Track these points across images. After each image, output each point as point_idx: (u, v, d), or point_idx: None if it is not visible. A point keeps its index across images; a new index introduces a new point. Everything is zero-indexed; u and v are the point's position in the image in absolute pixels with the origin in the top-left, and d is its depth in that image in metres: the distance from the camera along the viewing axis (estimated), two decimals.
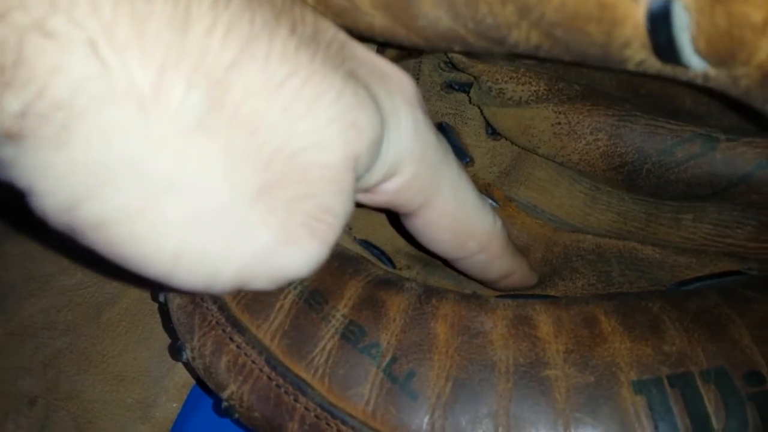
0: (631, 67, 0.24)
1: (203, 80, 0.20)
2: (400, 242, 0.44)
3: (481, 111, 0.43)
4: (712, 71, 0.23)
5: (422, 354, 0.32)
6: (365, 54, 0.26)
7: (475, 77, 0.41)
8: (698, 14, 0.18)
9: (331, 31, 0.24)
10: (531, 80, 0.39)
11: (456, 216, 0.32)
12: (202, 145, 0.20)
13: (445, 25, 0.23)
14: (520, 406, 0.31)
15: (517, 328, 0.33)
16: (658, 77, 0.25)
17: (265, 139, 0.21)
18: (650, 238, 0.41)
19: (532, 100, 0.40)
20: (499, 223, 0.34)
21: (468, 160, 0.46)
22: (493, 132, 0.45)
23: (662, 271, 0.40)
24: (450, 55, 0.41)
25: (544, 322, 0.33)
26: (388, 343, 0.32)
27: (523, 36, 0.23)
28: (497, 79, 0.40)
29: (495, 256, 0.35)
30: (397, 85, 0.27)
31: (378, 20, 0.23)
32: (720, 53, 0.20)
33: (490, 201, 0.45)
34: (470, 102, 0.43)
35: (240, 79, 0.20)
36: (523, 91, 0.40)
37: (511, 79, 0.40)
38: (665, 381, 0.31)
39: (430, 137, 0.28)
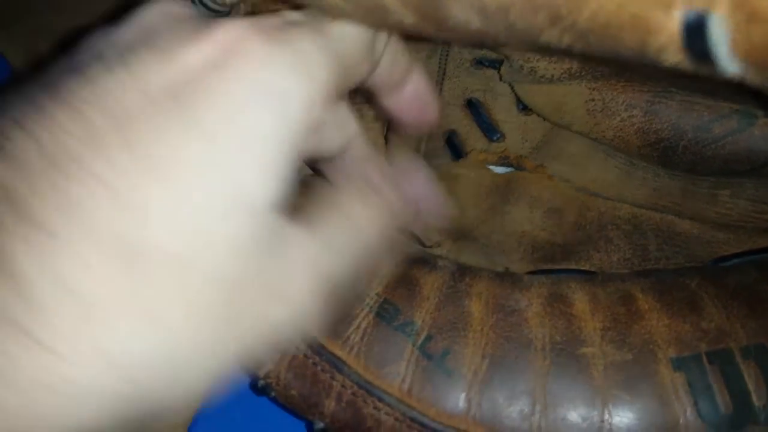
0: (666, 65, 0.23)
1: (129, 325, 0.19)
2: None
3: (512, 88, 0.43)
4: (750, 75, 0.22)
5: (457, 332, 0.32)
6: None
7: (505, 56, 0.40)
8: (735, 31, 0.18)
9: None
10: (563, 58, 0.39)
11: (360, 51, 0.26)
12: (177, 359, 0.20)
13: (475, 27, 0.22)
14: (557, 384, 0.30)
15: (552, 306, 0.32)
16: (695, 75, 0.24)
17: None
18: (687, 214, 0.41)
19: (564, 77, 0.39)
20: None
21: (499, 135, 0.45)
22: (524, 108, 0.45)
23: (700, 247, 0.39)
24: None
25: (580, 299, 0.33)
26: (423, 321, 0.32)
27: (555, 38, 0.22)
28: (529, 58, 0.39)
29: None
30: (241, 68, 0.22)
31: (408, 19, 0.23)
32: (758, 65, 0.20)
33: (520, 168, 0.45)
34: (501, 79, 0.43)
35: (152, 289, 0.19)
36: (555, 69, 0.39)
37: (543, 57, 0.39)
38: (704, 358, 0.30)
39: (307, 49, 0.23)
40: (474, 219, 0.43)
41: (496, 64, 0.43)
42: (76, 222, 0.18)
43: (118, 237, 0.19)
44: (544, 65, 0.39)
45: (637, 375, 0.30)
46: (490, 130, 0.45)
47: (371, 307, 0.32)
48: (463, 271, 0.34)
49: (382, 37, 0.26)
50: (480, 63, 0.44)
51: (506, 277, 0.34)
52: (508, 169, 0.45)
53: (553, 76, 0.39)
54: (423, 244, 0.42)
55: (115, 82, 0.20)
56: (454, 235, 0.42)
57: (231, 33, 0.21)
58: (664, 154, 0.39)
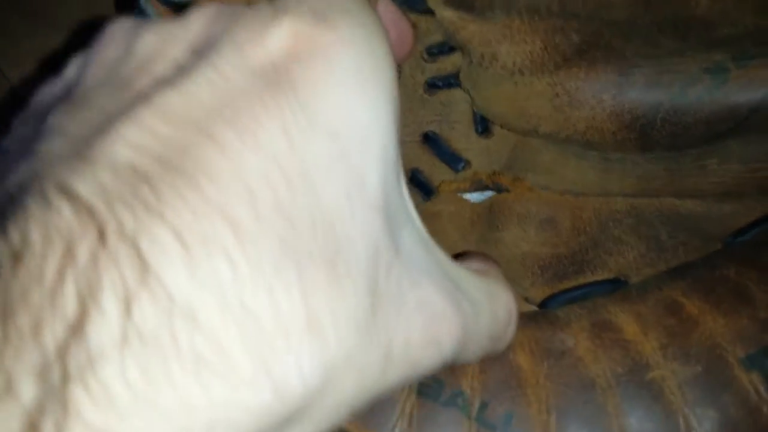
0: None
1: (299, 342, 0.19)
2: None
3: (472, 100, 0.40)
4: None
5: (512, 391, 0.29)
6: None
7: (463, 49, 0.37)
8: None
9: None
10: (526, 38, 0.36)
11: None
12: (334, 378, 0.20)
13: None
14: (636, 419, 0.28)
15: (601, 337, 0.30)
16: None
17: (363, 319, 0.20)
18: (680, 192, 0.39)
19: (526, 66, 0.36)
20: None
21: (463, 164, 0.42)
22: (483, 131, 0.42)
23: (711, 225, 0.37)
24: (439, 17, 0.37)
25: (626, 322, 0.30)
26: (472, 388, 0.29)
27: None
28: (489, 41, 0.36)
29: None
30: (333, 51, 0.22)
31: None
32: None
33: (500, 191, 0.42)
34: (459, 85, 0.40)
35: (316, 294, 0.19)
36: (517, 53, 0.36)
37: (504, 38, 0.36)
38: None
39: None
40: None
41: (451, 80, 0.40)
42: (246, 241, 0.18)
43: (281, 246, 0.18)
44: (506, 48, 0.36)
45: (715, 386, 0.28)
46: (453, 160, 0.42)
47: (410, 388, 0.29)
48: None
49: None
50: (434, 86, 0.41)
51: (540, 317, 0.31)
52: (486, 194, 0.43)
53: (514, 63, 0.36)
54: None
55: (203, 79, 0.20)
56: None
57: (294, 26, 0.21)
58: (642, 133, 0.37)
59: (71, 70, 0.24)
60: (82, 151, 0.18)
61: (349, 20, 0.21)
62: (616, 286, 0.34)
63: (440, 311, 0.23)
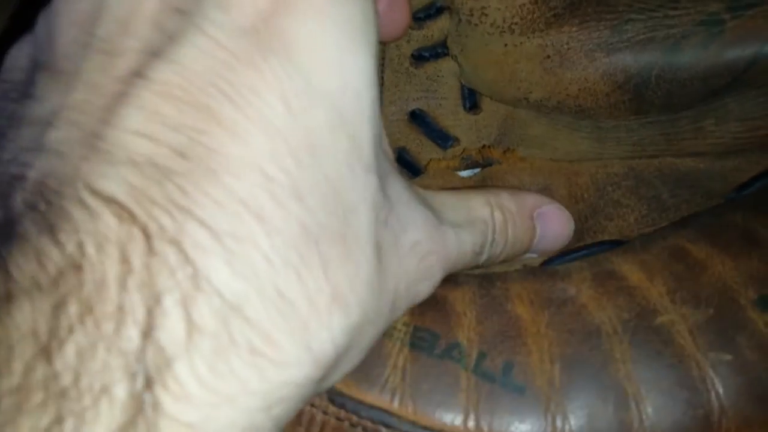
0: None
1: (329, 315, 0.21)
2: None
3: (460, 69, 0.38)
4: None
5: (512, 340, 0.27)
6: None
7: (451, 6, 0.36)
8: None
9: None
10: None
11: None
12: (357, 339, 0.22)
13: None
14: (645, 366, 0.26)
15: (604, 285, 0.28)
16: None
17: (384, 289, 0.23)
18: (678, 154, 0.37)
19: (516, 23, 0.35)
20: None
21: (452, 141, 0.41)
22: (471, 106, 0.41)
23: (713, 181, 0.36)
24: None
25: (630, 270, 0.29)
26: (469, 339, 0.27)
27: None
28: None
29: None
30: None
31: None
32: None
33: (488, 164, 0.40)
34: (447, 53, 0.39)
35: (337, 269, 0.21)
36: (506, 7, 0.35)
37: None
38: None
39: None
40: None
41: (438, 50, 0.39)
42: (272, 232, 0.19)
43: (301, 229, 0.19)
44: (495, 4, 0.35)
45: (728, 329, 0.26)
46: (441, 137, 0.41)
47: (402, 340, 0.27)
48: (489, 278, 0.30)
49: None
50: (420, 57, 0.40)
51: (539, 272, 0.29)
52: (477, 171, 0.41)
53: (504, 20, 0.35)
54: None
55: (194, 48, 0.19)
56: None
57: None
58: (637, 93, 0.36)
59: (41, 27, 0.23)
60: (97, 144, 0.19)
61: None
62: (617, 245, 0.33)
63: (429, 248, 0.25)
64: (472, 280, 0.30)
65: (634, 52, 0.35)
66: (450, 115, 0.42)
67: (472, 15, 0.35)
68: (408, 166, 0.42)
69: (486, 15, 0.35)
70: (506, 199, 0.30)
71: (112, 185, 0.18)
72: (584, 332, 0.26)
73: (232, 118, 0.19)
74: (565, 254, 0.34)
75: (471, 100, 0.41)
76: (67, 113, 0.19)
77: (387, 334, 0.27)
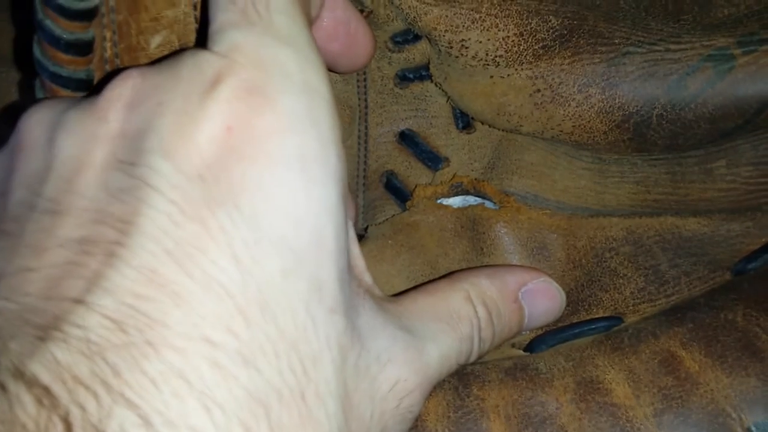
0: None
1: None
2: (399, 285, 0.36)
3: (447, 97, 0.36)
4: None
5: None
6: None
7: (429, 37, 0.33)
8: None
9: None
10: (497, 22, 0.32)
11: None
12: None
13: None
14: None
15: (586, 400, 0.26)
16: None
17: None
18: (685, 204, 0.34)
19: (500, 56, 0.32)
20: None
21: (442, 162, 0.38)
22: (464, 126, 0.38)
23: (718, 248, 0.33)
24: (397, 2, 0.33)
25: (616, 381, 0.26)
26: None
27: None
28: (457, 27, 0.32)
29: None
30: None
31: None
32: None
33: (484, 200, 0.37)
34: (431, 80, 0.36)
35: None
36: (489, 40, 0.32)
37: (473, 23, 0.32)
38: None
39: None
40: (448, 272, 0.36)
41: (422, 72, 0.36)
42: (212, 406, 0.17)
43: (250, 397, 0.18)
44: (475, 36, 0.32)
45: None
46: (431, 158, 0.38)
47: None
48: (466, 381, 0.28)
49: None
50: (404, 78, 0.37)
51: (519, 373, 0.27)
52: (468, 200, 0.38)
53: (487, 53, 0.32)
54: None
55: (140, 206, 0.19)
56: None
57: (227, 111, 0.20)
58: (637, 132, 0.32)
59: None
60: (31, 318, 0.18)
61: (288, 87, 0.20)
62: (610, 324, 0.30)
63: (412, 384, 0.23)
64: (446, 384, 0.28)
65: (633, 88, 0.32)
66: (442, 135, 0.39)
67: (451, 47, 0.32)
68: (396, 191, 0.40)
69: (466, 48, 0.32)
70: (487, 286, 0.28)
71: (37, 366, 0.17)
72: None
73: (177, 281, 0.18)
74: (555, 333, 0.31)
75: (464, 120, 0.38)
76: (6, 281, 0.19)
77: None
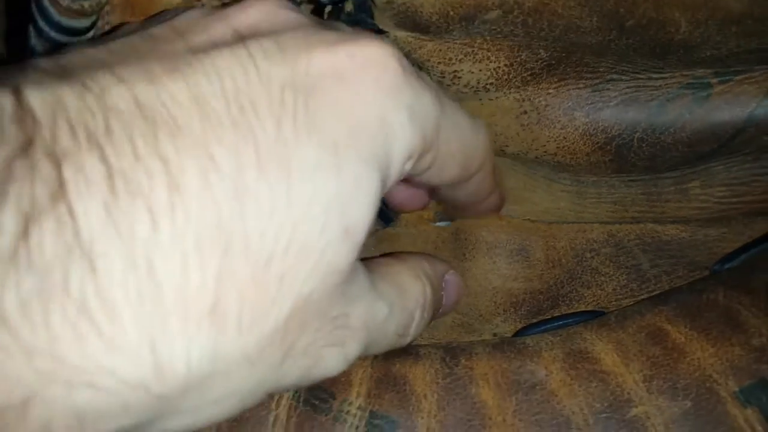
0: None
1: (197, 328, 0.17)
2: None
3: None
4: None
5: (475, 430, 0.25)
6: (328, 90, 0.21)
7: (421, 66, 0.34)
8: None
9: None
10: (489, 55, 0.33)
11: (461, 149, 0.27)
12: (222, 370, 0.18)
13: None
14: None
15: (576, 367, 0.26)
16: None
17: (275, 322, 0.19)
18: (661, 219, 0.36)
19: (491, 83, 0.33)
20: (488, 133, 0.30)
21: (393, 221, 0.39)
22: None
23: (697, 251, 0.34)
24: (393, 37, 0.33)
25: (604, 351, 0.27)
26: (428, 428, 0.25)
27: None
28: (450, 60, 0.33)
29: (489, 170, 0.30)
30: (371, 87, 0.22)
31: None
32: None
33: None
34: None
35: (231, 285, 0.18)
36: (480, 70, 0.33)
37: (466, 56, 0.33)
38: None
39: (423, 101, 0.23)
40: None
41: None
42: (179, 207, 0.17)
43: (217, 227, 0.17)
44: (468, 67, 0.33)
45: (706, 424, 0.24)
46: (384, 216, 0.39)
47: (357, 427, 0.25)
48: (453, 353, 0.28)
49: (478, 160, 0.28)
50: None
51: (506, 346, 0.27)
52: (449, 223, 0.39)
53: (479, 82, 0.33)
54: None
55: (239, 68, 0.19)
56: None
57: (368, 51, 0.21)
58: (618, 154, 0.34)
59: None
60: (71, 73, 0.18)
61: (418, 97, 0.23)
62: (593, 316, 0.31)
63: (356, 322, 0.23)
64: (434, 354, 0.28)
65: (616, 112, 0.33)
66: None
67: (443, 77, 0.33)
68: (380, 214, 0.40)
69: (459, 78, 0.33)
70: (430, 270, 0.29)
71: (36, 91, 0.17)
72: (553, 423, 0.25)
73: (224, 124, 0.19)
74: (538, 324, 0.32)
75: None
76: (83, 56, 0.19)
77: (339, 419, 0.25)
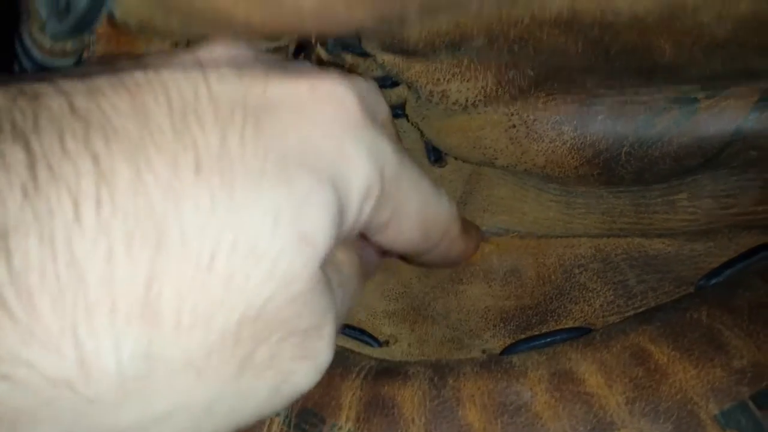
0: None
1: (127, 323, 0.16)
2: (372, 301, 0.37)
3: (422, 133, 0.37)
4: None
5: None
6: (281, 118, 0.20)
7: (410, 86, 0.34)
8: None
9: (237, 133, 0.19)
10: (477, 74, 0.33)
11: (422, 214, 0.27)
12: (162, 375, 0.17)
13: None
14: None
15: (560, 389, 0.27)
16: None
17: (222, 326, 0.18)
18: (649, 231, 0.36)
19: (480, 100, 0.33)
20: (452, 204, 0.30)
21: None
22: (436, 159, 0.39)
23: (683, 266, 0.34)
24: (380, 60, 0.34)
25: (588, 371, 0.27)
26: None
27: None
28: (438, 80, 0.33)
29: (455, 236, 0.30)
30: (329, 120, 0.21)
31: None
32: None
33: None
34: (407, 120, 0.37)
35: (167, 281, 0.17)
36: (468, 89, 0.33)
37: (453, 76, 0.33)
38: (750, 404, 0.25)
39: (382, 147, 0.23)
40: (423, 295, 0.37)
41: (398, 111, 0.37)
42: (106, 199, 0.16)
43: (149, 222, 0.16)
44: (456, 86, 0.33)
45: None
46: None
47: None
48: (441, 373, 0.28)
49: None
50: None
51: (494, 365, 0.28)
52: None
53: (467, 100, 0.33)
54: (375, 341, 0.35)
55: (189, 86, 0.19)
56: (408, 318, 0.36)
57: (331, 87, 0.21)
58: (606, 168, 0.34)
59: None
60: (12, 82, 0.17)
61: (377, 141, 0.22)
62: (580, 333, 0.31)
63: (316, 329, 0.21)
64: (423, 373, 0.29)
65: (604, 127, 0.33)
66: None
67: (432, 96, 0.33)
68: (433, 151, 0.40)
69: (447, 97, 0.33)
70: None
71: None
72: None
73: (196, 129, 0.19)
74: (527, 341, 0.32)
75: (436, 154, 0.39)
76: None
77: None
